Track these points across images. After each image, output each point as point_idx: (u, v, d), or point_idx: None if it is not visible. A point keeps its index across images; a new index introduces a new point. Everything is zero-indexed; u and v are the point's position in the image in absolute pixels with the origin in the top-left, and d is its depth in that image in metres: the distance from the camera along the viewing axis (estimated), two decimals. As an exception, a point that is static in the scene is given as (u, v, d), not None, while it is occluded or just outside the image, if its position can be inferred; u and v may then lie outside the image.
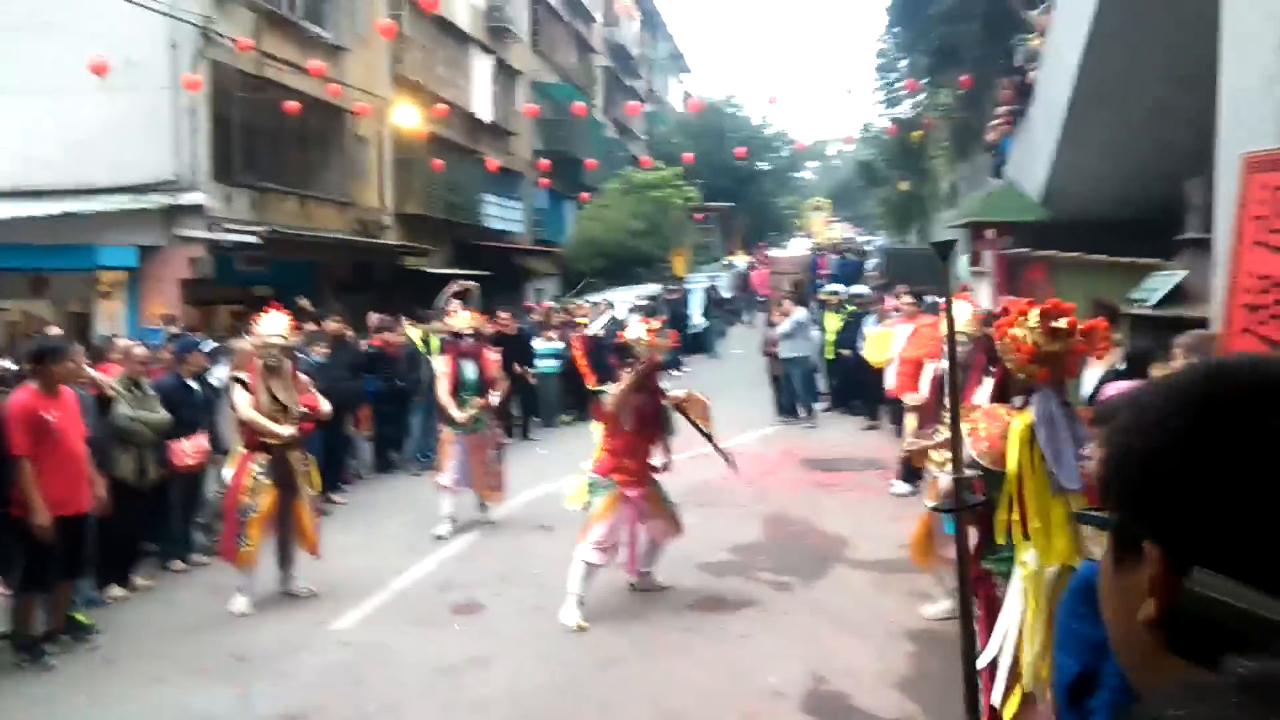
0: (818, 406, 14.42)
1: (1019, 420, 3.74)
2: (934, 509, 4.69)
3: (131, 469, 7.16)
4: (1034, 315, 3.79)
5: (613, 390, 6.62)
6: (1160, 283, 7.78)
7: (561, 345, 14.18)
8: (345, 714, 5.22)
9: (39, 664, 5.87)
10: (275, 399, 6.97)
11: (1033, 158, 12.41)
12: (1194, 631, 0.73)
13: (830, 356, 14.52)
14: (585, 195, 29.42)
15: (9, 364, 6.29)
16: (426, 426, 11.16)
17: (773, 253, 32.88)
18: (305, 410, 7.05)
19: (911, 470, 9.24)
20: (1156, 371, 5.13)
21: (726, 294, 28.35)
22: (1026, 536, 3.69)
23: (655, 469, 6.74)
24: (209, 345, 9.31)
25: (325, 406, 7.41)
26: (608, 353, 12.94)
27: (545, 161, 23.34)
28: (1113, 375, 5.78)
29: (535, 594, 6.98)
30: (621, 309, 17.82)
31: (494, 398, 9.02)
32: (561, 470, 7.19)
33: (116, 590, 7.12)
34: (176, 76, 13.23)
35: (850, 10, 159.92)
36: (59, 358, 6.09)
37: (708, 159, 40.28)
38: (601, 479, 6.57)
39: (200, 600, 7.09)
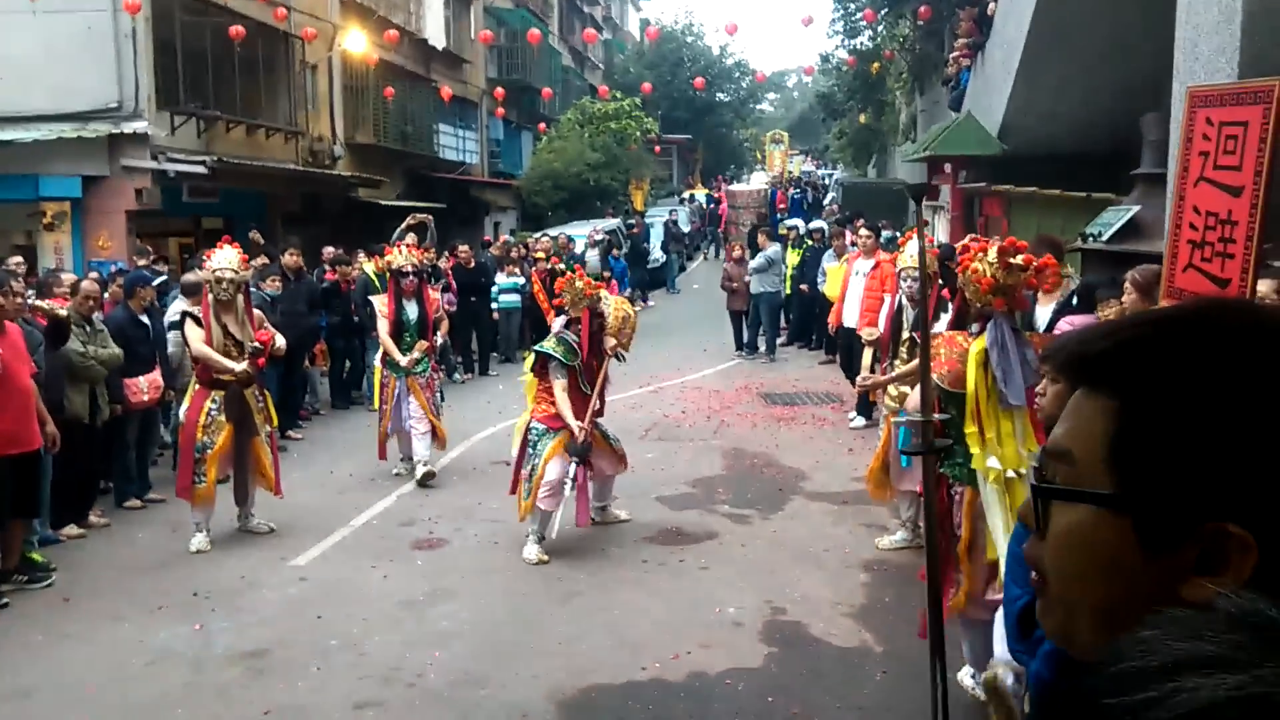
0: (777, 341, 14.53)
1: (975, 345, 4.17)
2: (904, 452, 4.88)
3: (84, 406, 7.04)
4: (993, 252, 4.18)
5: (552, 348, 6.54)
6: (1114, 217, 7.85)
7: (523, 280, 14.07)
8: (307, 649, 5.25)
9: (-6, 603, 5.82)
10: (228, 334, 6.86)
11: (991, 92, 12.40)
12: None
13: (788, 291, 14.58)
14: (543, 126, 28.98)
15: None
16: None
17: (732, 187, 32.65)
18: (259, 345, 6.95)
19: (868, 404, 9.38)
20: (1104, 310, 5.21)
21: (685, 228, 28.23)
22: (984, 446, 4.13)
23: (595, 411, 6.70)
24: (159, 278, 9.11)
25: (280, 341, 7.30)
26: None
27: (501, 91, 22.88)
28: (1065, 309, 5.86)
29: (495, 529, 7.03)
30: (579, 244, 17.70)
31: (438, 339, 8.64)
32: (521, 406, 7.19)
33: (72, 529, 7.04)
34: (115, -2, 12.74)
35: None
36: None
37: (666, 89, 39.84)
38: (544, 427, 6.54)
39: (158, 538, 7.05)
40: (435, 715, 4.55)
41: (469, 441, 9.49)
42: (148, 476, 8.05)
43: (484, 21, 26.51)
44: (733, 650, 5.10)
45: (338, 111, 19.15)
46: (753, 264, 14.04)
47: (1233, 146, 3.93)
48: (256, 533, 7.05)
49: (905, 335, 6.43)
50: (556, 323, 6.75)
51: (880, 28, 23.56)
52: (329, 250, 12.19)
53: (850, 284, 9.83)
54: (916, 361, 5.52)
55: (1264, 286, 4.11)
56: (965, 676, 4.52)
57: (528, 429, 6.58)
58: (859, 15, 25.15)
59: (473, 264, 13.83)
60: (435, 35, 23.33)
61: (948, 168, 13.28)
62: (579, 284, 6.58)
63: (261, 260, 10.59)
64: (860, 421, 9.78)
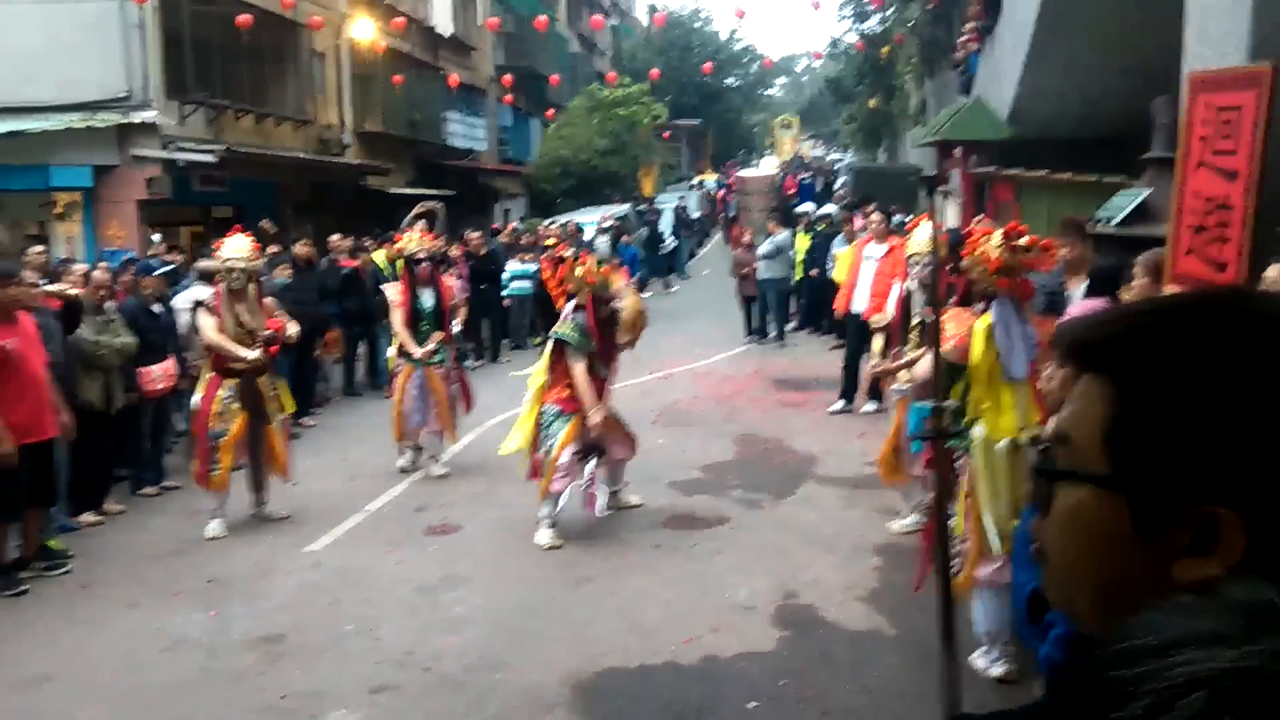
0: (787, 326, 14.53)
1: (981, 322, 4.43)
2: (914, 436, 4.96)
3: (98, 395, 7.09)
4: (997, 236, 4.46)
5: (568, 334, 6.56)
6: (1124, 201, 7.80)
7: (535, 267, 14.08)
8: (322, 634, 5.30)
9: (13, 590, 5.88)
10: (240, 323, 6.90)
11: (1001, 75, 12.33)
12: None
13: (799, 276, 14.57)
14: (551, 113, 28.95)
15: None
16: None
17: (742, 172, 32.56)
18: (271, 334, 6.99)
19: (878, 389, 9.37)
20: (1126, 293, 5.20)
21: (695, 214, 28.19)
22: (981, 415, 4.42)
23: (607, 394, 6.73)
24: (165, 267, 9.11)
25: (292, 329, 7.33)
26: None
27: (508, 78, 22.82)
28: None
29: (508, 515, 7.06)
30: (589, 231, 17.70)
31: (455, 327, 8.35)
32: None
33: (89, 516, 7.11)
34: (122, -12, 12.76)
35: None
36: (9, 281, 5.95)
37: (675, 75, 39.67)
38: (558, 409, 6.57)
39: (173, 525, 7.10)
40: (450, 699, 4.59)
41: (481, 428, 9.52)
42: (163, 464, 8.11)
43: (491, 8, 26.44)
44: (744, 634, 5.13)
45: (346, 99, 19.16)
46: (760, 250, 14.03)
47: (1229, 131, 3.92)
48: (271, 519, 7.10)
49: (915, 321, 6.42)
50: (567, 307, 6.77)
51: (889, 11, 23.44)
52: (336, 238, 12.19)
53: (861, 269, 9.80)
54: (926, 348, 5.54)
55: (1273, 272, 4.10)
56: (978, 658, 4.54)
57: (540, 413, 6.62)
58: (868, -1, 25.03)
59: (484, 251, 13.85)
60: (443, 22, 23.29)
61: (957, 152, 13.23)
62: (579, 271, 6.59)
63: (274, 248, 10.62)
64: (871, 406, 9.77)
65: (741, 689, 4.59)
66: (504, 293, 13.98)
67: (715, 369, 12.60)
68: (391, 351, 8.41)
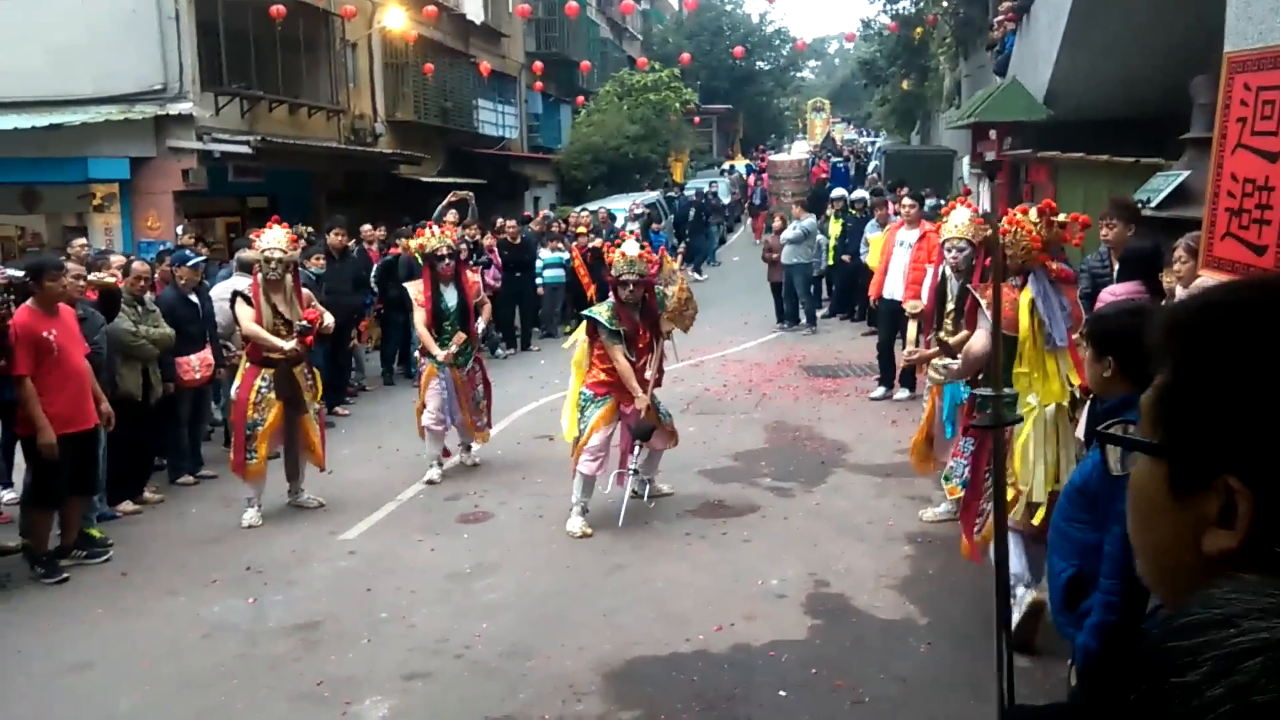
0: (818, 312, 14.44)
1: (1024, 295, 4.77)
2: (973, 426, 5.01)
3: (137, 385, 7.19)
4: (1034, 213, 4.83)
5: (599, 313, 6.58)
6: (1163, 183, 7.66)
7: (566, 255, 14.09)
8: (357, 621, 5.36)
9: (55, 578, 5.99)
10: (277, 313, 6.97)
11: (1036, 56, 12.14)
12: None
13: (831, 262, 14.47)
14: (582, 99, 28.91)
15: (15, 271, 6.24)
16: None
17: (772, 157, 32.38)
18: (307, 324, 7.05)
19: (912, 376, 9.31)
20: (1167, 276, 5.12)
21: (726, 199, 28.05)
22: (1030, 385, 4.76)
23: (648, 382, 6.73)
24: (198, 259, 9.20)
25: (328, 319, 7.39)
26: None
27: (539, 64, 22.78)
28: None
29: (540, 503, 7.10)
30: (620, 218, 17.67)
31: (479, 324, 8.02)
32: (563, 381, 7.22)
33: (128, 505, 7.23)
34: (156, -19, 12.88)
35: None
36: (53, 274, 6.05)
37: (705, 59, 39.47)
38: (593, 394, 6.61)
39: (211, 513, 7.21)
40: (483, 686, 4.63)
41: (512, 416, 9.57)
42: (200, 453, 8.22)
43: (521, -5, 26.41)
44: (776, 622, 5.13)
45: (378, 89, 19.25)
46: (786, 235, 13.93)
47: (1269, 112, 3.83)
48: (306, 508, 7.18)
49: (949, 306, 6.35)
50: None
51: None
52: (367, 228, 12.24)
53: (894, 255, 9.72)
54: (964, 333, 5.48)
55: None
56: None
57: (580, 394, 6.65)
58: (901, -21, 24.73)
59: (519, 239, 13.88)
60: (473, 10, 23.30)
61: (993, 134, 13.05)
62: (632, 252, 6.59)
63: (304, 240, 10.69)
64: (903, 393, 9.71)
65: (773, 677, 4.59)
66: (537, 281, 14.00)
67: (746, 355, 12.57)
68: (418, 353, 8.24)
